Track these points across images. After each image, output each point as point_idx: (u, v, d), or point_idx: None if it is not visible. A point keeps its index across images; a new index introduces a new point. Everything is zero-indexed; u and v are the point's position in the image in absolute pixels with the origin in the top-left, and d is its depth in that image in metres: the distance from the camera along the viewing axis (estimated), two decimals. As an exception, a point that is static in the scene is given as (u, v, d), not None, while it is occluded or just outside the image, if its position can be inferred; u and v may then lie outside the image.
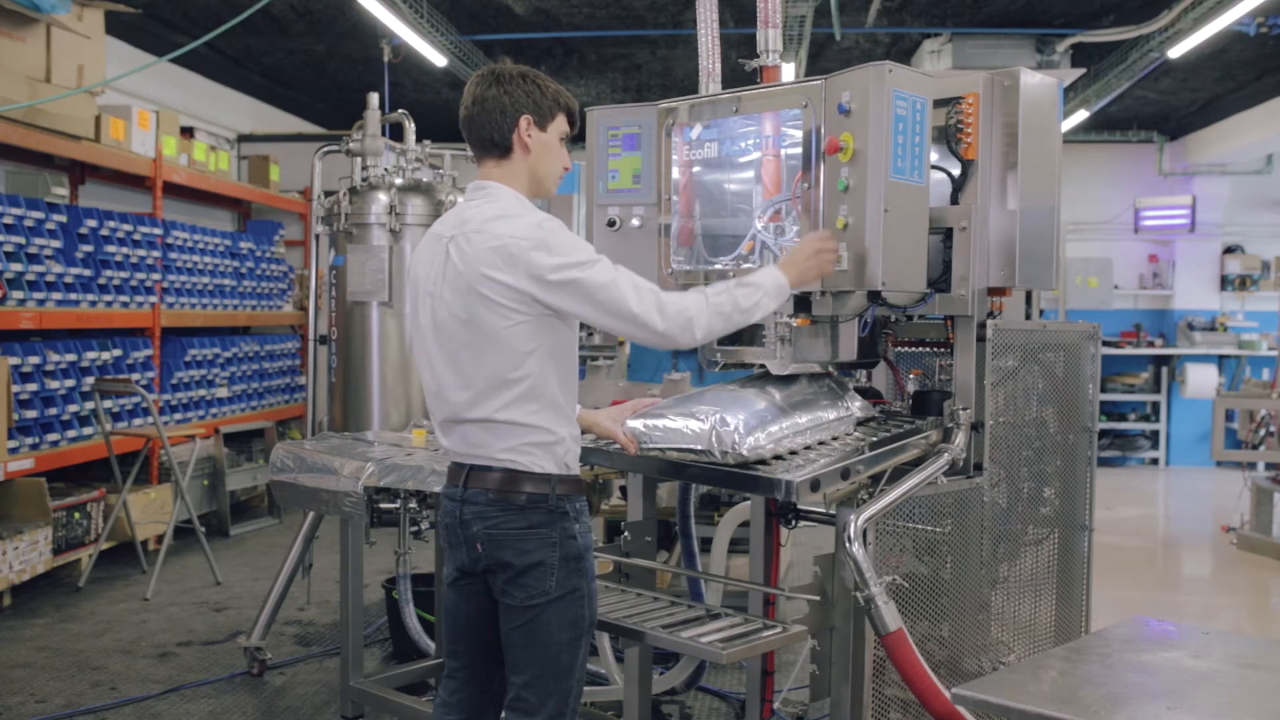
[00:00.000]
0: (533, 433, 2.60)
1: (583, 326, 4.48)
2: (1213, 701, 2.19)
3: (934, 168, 3.09)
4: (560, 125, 2.75)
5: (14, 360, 6.08)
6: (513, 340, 2.57)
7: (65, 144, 6.63)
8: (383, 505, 4.79)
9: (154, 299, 7.52)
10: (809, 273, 2.82)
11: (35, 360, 6.24)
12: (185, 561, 6.94)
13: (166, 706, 4.59)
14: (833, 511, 2.99)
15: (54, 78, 6.43)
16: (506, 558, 2.60)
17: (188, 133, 8.30)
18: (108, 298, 7.01)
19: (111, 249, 7.04)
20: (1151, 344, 12.03)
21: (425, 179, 5.08)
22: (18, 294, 6.17)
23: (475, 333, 2.59)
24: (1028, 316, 3.41)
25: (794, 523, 3.55)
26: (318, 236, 5.13)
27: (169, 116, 7.88)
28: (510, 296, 2.54)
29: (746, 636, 2.87)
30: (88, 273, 6.79)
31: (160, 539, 6.87)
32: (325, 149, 5.48)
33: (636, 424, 3.02)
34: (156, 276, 7.54)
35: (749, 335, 3.15)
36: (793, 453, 2.92)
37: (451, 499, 2.71)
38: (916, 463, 2.98)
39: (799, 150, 3.00)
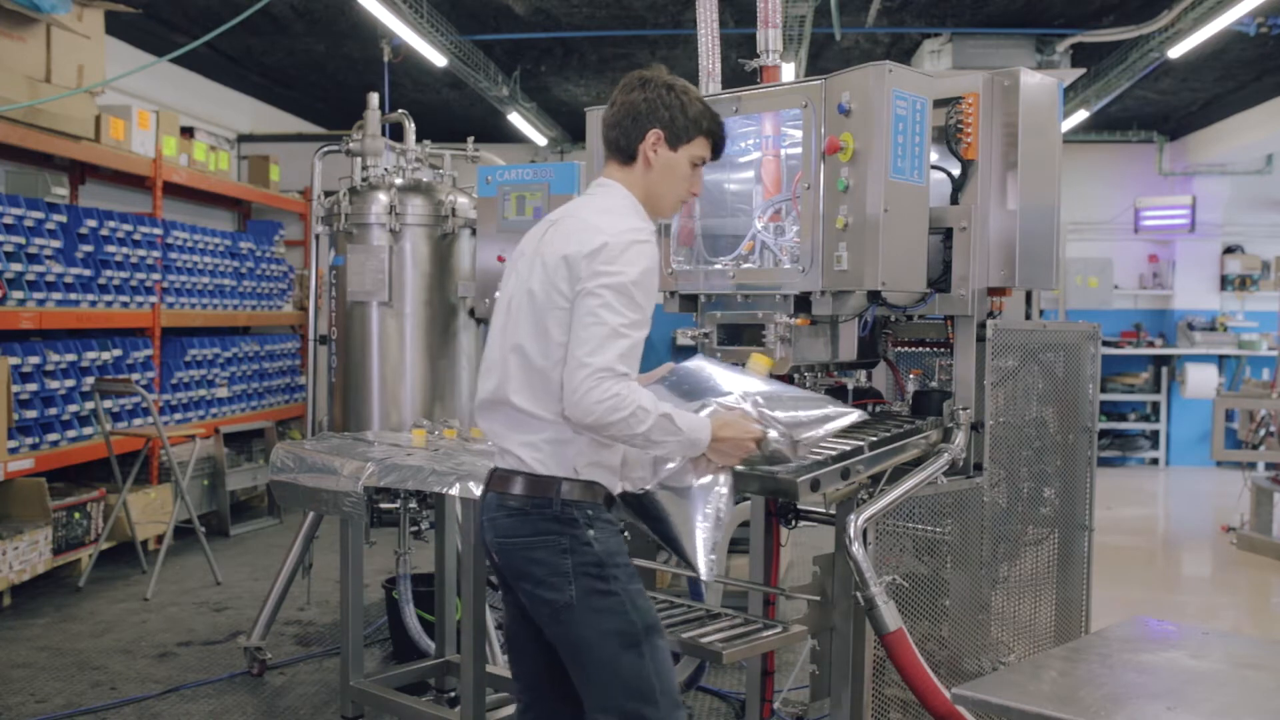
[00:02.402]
0: (545, 427, 2.50)
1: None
2: (1213, 701, 2.19)
3: (934, 168, 3.09)
4: (696, 149, 2.62)
5: (14, 360, 6.08)
6: (551, 324, 2.46)
7: (65, 144, 6.63)
8: (383, 505, 4.80)
9: (154, 299, 7.52)
10: (729, 451, 2.58)
11: (35, 360, 6.24)
12: (185, 561, 6.94)
13: (166, 706, 4.59)
14: (833, 511, 2.99)
15: (54, 78, 6.43)
16: (519, 567, 2.52)
17: (188, 133, 8.30)
18: (108, 298, 7.01)
19: (111, 249, 7.04)
20: (1151, 344, 12.03)
21: (425, 179, 5.08)
22: (18, 294, 6.17)
23: (526, 308, 2.52)
24: (1028, 316, 3.41)
25: (794, 523, 3.55)
26: (318, 236, 5.13)
27: (169, 116, 7.88)
28: (564, 277, 2.45)
29: (746, 636, 2.88)
30: (88, 273, 6.79)
31: (160, 539, 6.87)
32: (325, 149, 5.48)
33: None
34: (156, 276, 7.54)
35: (749, 336, 3.15)
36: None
37: (478, 510, 2.68)
38: (916, 463, 2.99)
39: (799, 150, 3.00)
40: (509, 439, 2.54)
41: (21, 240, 6.19)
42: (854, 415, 2.72)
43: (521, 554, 2.51)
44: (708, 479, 2.61)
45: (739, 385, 2.70)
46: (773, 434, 2.59)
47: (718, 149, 2.66)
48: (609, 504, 2.56)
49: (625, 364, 2.39)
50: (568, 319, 2.44)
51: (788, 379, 3.54)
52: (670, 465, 2.59)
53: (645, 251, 2.44)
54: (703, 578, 2.60)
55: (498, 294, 2.74)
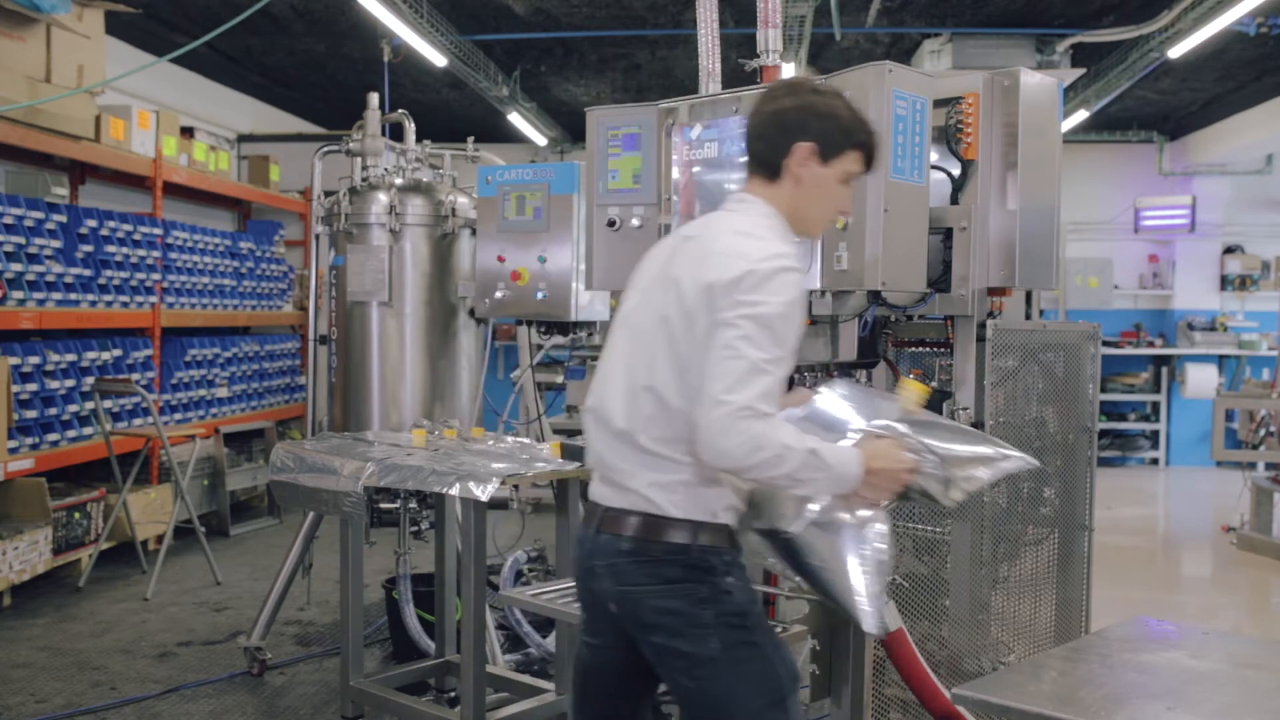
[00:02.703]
0: (682, 469, 2.25)
1: (580, 326, 4.52)
2: (1213, 701, 2.19)
3: (934, 168, 3.09)
4: (849, 163, 2.36)
5: (14, 360, 6.07)
6: (690, 358, 2.22)
7: (65, 144, 6.63)
8: (383, 505, 4.80)
9: (154, 299, 7.52)
10: (882, 485, 2.32)
11: (35, 360, 6.24)
12: (185, 561, 6.94)
13: (166, 706, 4.59)
14: (833, 511, 2.98)
15: (54, 78, 6.43)
16: (648, 619, 2.27)
17: (188, 133, 8.30)
18: (108, 298, 7.01)
19: (111, 249, 7.04)
20: (1151, 344, 12.03)
21: (425, 179, 5.08)
22: (18, 294, 6.17)
23: (661, 340, 2.27)
24: (1028, 316, 3.41)
25: (794, 523, 3.54)
26: (318, 236, 5.13)
27: (169, 116, 7.88)
28: (700, 305, 2.21)
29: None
30: (88, 273, 6.79)
31: (160, 539, 6.87)
32: (325, 149, 5.48)
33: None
34: (156, 276, 7.54)
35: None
36: None
37: (582, 544, 2.40)
38: (916, 463, 2.98)
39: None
40: (635, 477, 2.29)
41: (21, 240, 6.19)
42: (1018, 460, 2.45)
43: (652, 603, 2.26)
44: (860, 516, 2.34)
45: (887, 414, 2.44)
46: (927, 465, 2.34)
47: (870, 162, 2.41)
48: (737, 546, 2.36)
49: (766, 403, 2.15)
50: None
51: (788, 379, 3.54)
52: (816, 505, 2.33)
53: (792, 280, 2.22)
54: (870, 631, 2.34)
55: (626, 303, 2.46)
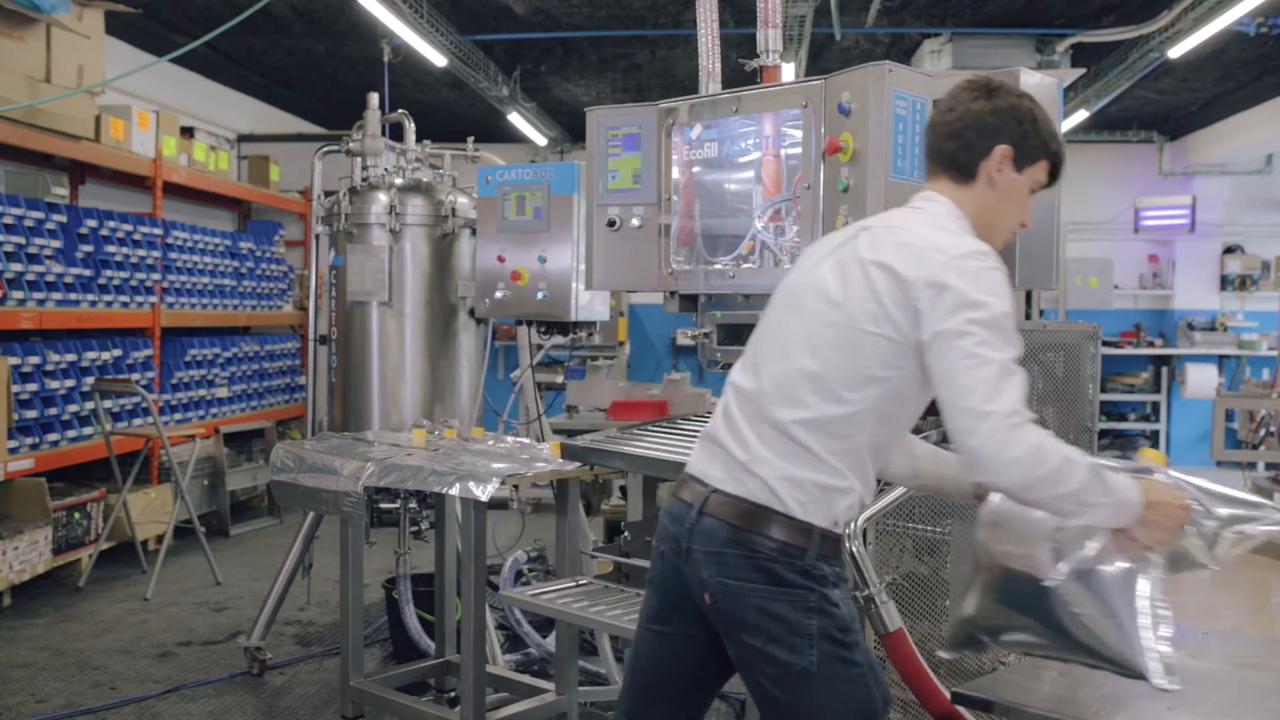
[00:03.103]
0: (820, 469, 2.11)
1: (580, 326, 4.51)
2: (1212, 701, 2.19)
3: (934, 168, 3.08)
4: (1039, 173, 2.27)
5: (14, 360, 6.08)
6: (866, 353, 2.09)
7: (65, 144, 6.63)
8: (383, 505, 4.80)
9: (154, 299, 7.52)
10: (1159, 524, 2.07)
11: (35, 360, 6.24)
12: (185, 561, 6.94)
13: (166, 706, 4.59)
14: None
15: (54, 78, 6.43)
16: (747, 618, 2.13)
17: (188, 133, 8.30)
18: (108, 298, 7.01)
19: (111, 249, 7.04)
20: (1151, 344, 12.03)
21: (425, 179, 5.08)
22: (18, 294, 6.17)
23: (829, 323, 2.13)
24: (1028, 316, 3.41)
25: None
26: (318, 236, 5.13)
27: (169, 116, 7.88)
28: (894, 299, 2.07)
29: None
30: (88, 273, 6.79)
31: (160, 539, 6.87)
32: (325, 149, 5.48)
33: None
34: (156, 276, 7.54)
35: (750, 336, 3.15)
36: None
37: (678, 522, 2.22)
38: (916, 463, 2.98)
39: (799, 150, 3.00)
40: (766, 465, 2.13)
41: (21, 240, 6.19)
42: None
43: (756, 603, 2.12)
44: (1121, 565, 2.05)
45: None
46: (1200, 517, 2.06)
47: (1056, 174, 2.30)
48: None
49: (1028, 408, 1.99)
50: (890, 353, 2.09)
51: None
52: (1081, 546, 2.06)
53: (1002, 276, 2.08)
54: (1163, 687, 2.02)
55: (790, 283, 2.30)
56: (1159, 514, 2.05)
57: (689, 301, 3.38)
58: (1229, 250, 12.14)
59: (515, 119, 10.24)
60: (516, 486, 3.66)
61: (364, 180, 5.06)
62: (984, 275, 2.05)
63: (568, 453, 3.31)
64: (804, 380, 2.14)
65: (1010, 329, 2.03)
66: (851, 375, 2.10)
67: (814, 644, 2.11)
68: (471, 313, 4.88)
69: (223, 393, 8.42)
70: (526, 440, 4.37)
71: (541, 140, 11.45)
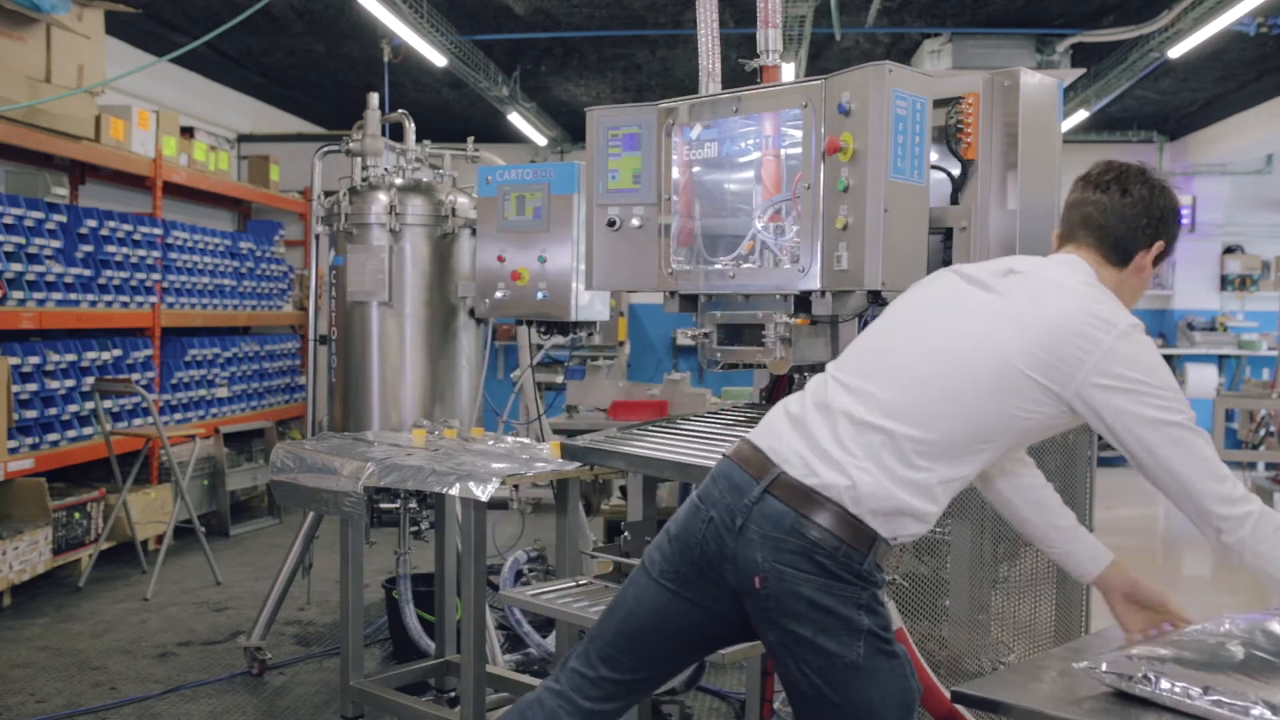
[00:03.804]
0: (918, 494, 2.13)
1: (580, 326, 4.52)
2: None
3: (934, 168, 3.09)
4: (1154, 257, 2.31)
5: (14, 360, 6.08)
6: (1015, 400, 2.11)
7: (65, 144, 6.64)
8: (383, 505, 4.80)
9: (154, 299, 7.52)
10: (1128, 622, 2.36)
11: (35, 360, 6.25)
12: (185, 561, 6.94)
13: (166, 706, 4.59)
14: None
15: (54, 78, 6.43)
16: (798, 608, 2.12)
17: (188, 133, 8.30)
18: (108, 298, 7.01)
19: (111, 249, 7.04)
20: (1151, 344, 12.03)
21: (425, 179, 5.08)
22: (18, 294, 6.17)
23: (977, 372, 2.13)
24: (1028, 316, 3.40)
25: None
26: (318, 236, 5.13)
27: (169, 116, 7.88)
28: (1050, 377, 2.09)
29: (746, 636, 2.87)
30: (88, 273, 6.79)
31: (160, 539, 6.87)
32: (325, 149, 5.48)
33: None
34: (156, 276, 7.54)
35: (749, 336, 3.15)
36: None
37: (739, 493, 2.18)
38: (916, 463, 2.98)
39: (799, 150, 3.00)
40: (862, 471, 2.12)
41: (21, 240, 6.19)
42: None
43: (810, 593, 2.11)
44: None
45: None
46: None
47: (1168, 252, 2.35)
48: None
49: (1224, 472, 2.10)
50: (1037, 423, 2.15)
51: (788, 379, 3.54)
52: None
53: (1147, 343, 2.14)
54: None
55: (936, 295, 2.33)
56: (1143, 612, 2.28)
57: (689, 301, 3.38)
58: (1229, 250, 12.14)
59: (515, 119, 10.24)
60: (516, 486, 3.66)
61: (364, 180, 5.06)
62: (1144, 351, 2.11)
63: (568, 453, 3.31)
64: (935, 406, 2.14)
65: (1171, 385, 2.12)
66: (983, 434, 2.14)
67: (862, 639, 2.12)
68: (471, 313, 4.89)
69: (223, 393, 8.42)
70: (526, 440, 4.37)
71: (541, 140, 11.45)
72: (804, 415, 2.23)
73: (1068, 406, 2.12)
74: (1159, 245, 2.27)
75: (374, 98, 5.30)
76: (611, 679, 2.34)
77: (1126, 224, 2.25)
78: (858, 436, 2.15)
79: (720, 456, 2.33)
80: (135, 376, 7.10)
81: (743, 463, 2.22)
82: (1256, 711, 1.82)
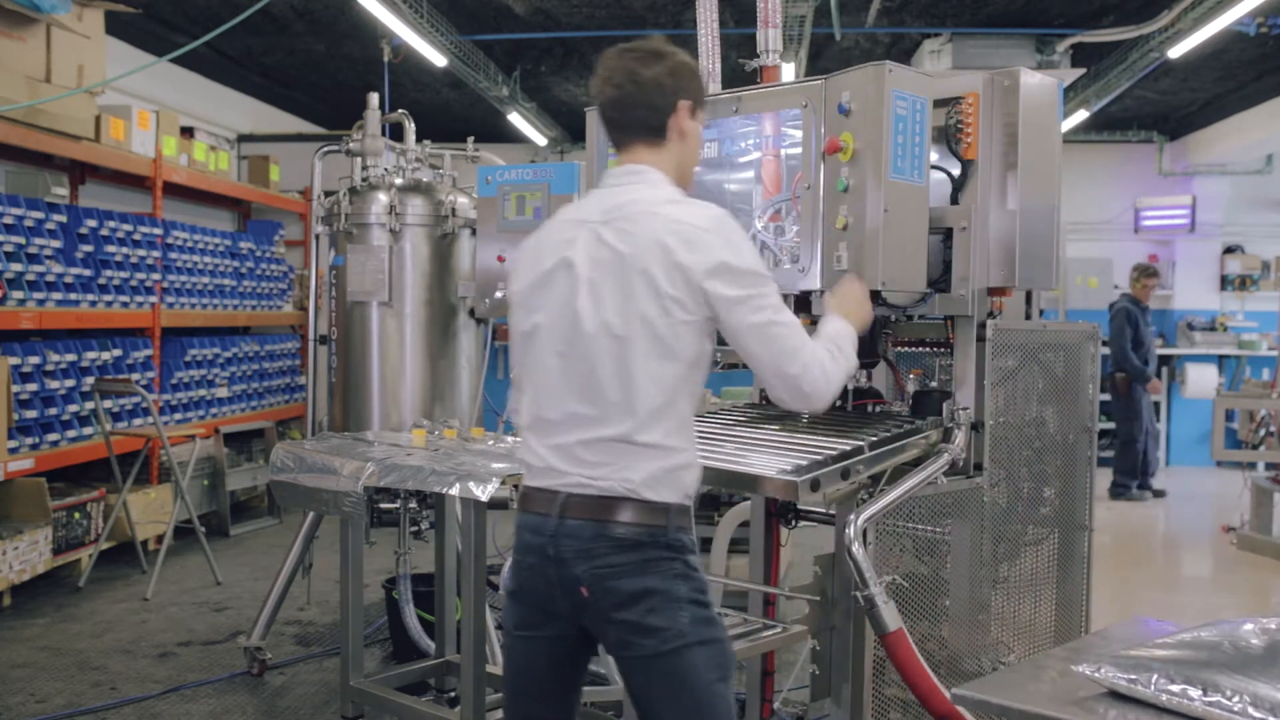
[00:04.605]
0: (666, 456, 2.29)
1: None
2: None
3: (934, 168, 3.09)
4: (703, 114, 2.52)
5: (14, 360, 6.08)
6: (673, 342, 2.27)
7: (65, 144, 6.64)
8: (383, 505, 4.80)
9: (154, 299, 7.52)
10: (867, 317, 2.71)
11: (35, 360, 6.24)
12: (185, 561, 6.94)
13: (166, 706, 4.59)
14: (833, 511, 2.99)
15: (54, 78, 6.43)
16: (625, 599, 2.27)
17: (188, 133, 8.30)
18: (108, 298, 7.01)
19: (111, 249, 7.04)
20: (1152, 344, 12.04)
21: (425, 179, 5.08)
22: (18, 294, 6.17)
23: (625, 329, 2.27)
24: (1028, 316, 3.41)
25: (794, 523, 3.55)
26: (318, 236, 5.13)
27: (169, 116, 7.88)
28: (682, 288, 2.25)
29: (746, 636, 2.88)
30: (88, 273, 6.79)
31: (160, 539, 6.87)
32: (325, 149, 5.48)
33: None
34: (156, 276, 7.54)
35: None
36: None
37: (539, 532, 2.34)
38: (916, 463, 2.98)
39: (799, 150, 3.00)
40: (612, 468, 2.29)
41: (21, 240, 6.19)
42: None
43: (630, 581, 2.27)
44: None
45: None
46: None
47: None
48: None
49: (803, 334, 2.35)
50: (693, 332, 2.29)
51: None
52: None
53: (736, 226, 2.34)
54: None
55: (517, 306, 2.46)
56: (857, 307, 2.67)
57: (689, 301, 3.37)
58: (1229, 250, 12.14)
59: (515, 119, 10.24)
60: (516, 486, 3.65)
61: (364, 180, 5.06)
62: (737, 236, 2.32)
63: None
64: (623, 393, 2.33)
65: (762, 271, 2.35)
66: (665, 370, 2.32)
67: (685, 607, 2.28)
68: (471, 313, 4.89)
69: (223, 393, 8.42)
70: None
71: (541, 140, 11.45)
72: (543, 449, 2.42)
73: (708, 307, 2.30)
74: (684, 105, 2.41)
75: (374, 98, 5.30)
76: None
77: (643, 107, 2.40)
78: (593, 446, 2.31)
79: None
80: (135, 376, 7.10)
81: (532, 508, 2.40)
82: (1255, 713, 1.82)
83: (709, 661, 2.30)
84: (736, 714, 2.42)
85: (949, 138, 3.16)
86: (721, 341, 3.21)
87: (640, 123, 2.41)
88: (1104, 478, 9.44)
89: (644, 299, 2.26)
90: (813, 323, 3.08)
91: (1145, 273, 9.99)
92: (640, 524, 2.27)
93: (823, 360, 2.35)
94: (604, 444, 2.30)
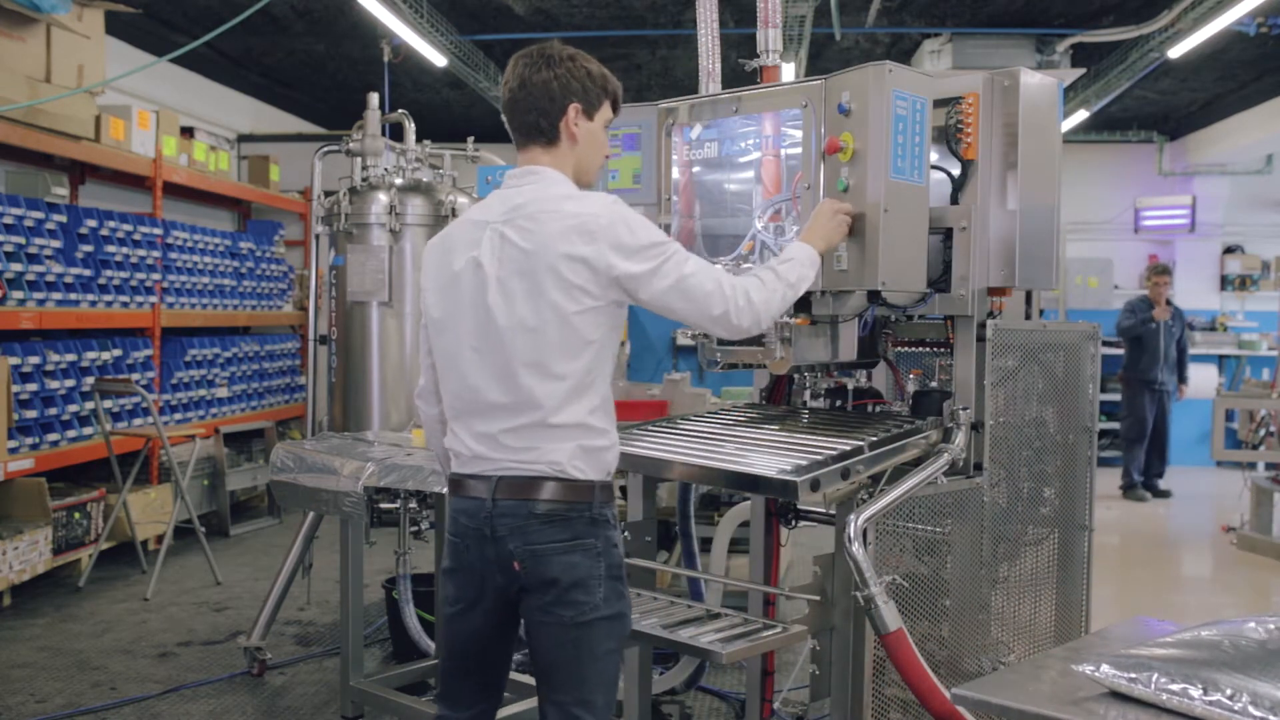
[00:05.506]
0: (586, 435, 2.45)
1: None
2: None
3: (934, 168, 3.09)
4: (606, 113, 2.61)
5: (14, 360, 6.08)
6: (579, 327, 2.41)
7: (65, 144, 6.63)
8: (383, 505, 4.80)
9: (154, 299, 7.52)
10: (834, 236, 2.80)
11: (35, 360, 6.24)
12: (185, 561, 6.94)
13: (166, 706, 4.59)
14: (833, 511, 2.99)
15: (54, 78, 6.43)
16: (553, 574, 2.43)
17: (188, 133, 8.30)
18: (108, 298, 7.01)
19: (111, 249, 7.04)
20: (1152, 344, 12.03)
21: (425, 179, 5.08)
22: (18, 294, 6.17)
23: (537, 321, 2.41)
24: (1028, 316, 3.40)
25: (794, 523, 3.55)
26: (318, 236, 5.13)
27: (169, 116, 7.88)
28: (586, 277, 2.39)
29: (746, 636, 2.87)
30: (88, 273, 6.79)
31: (160, 539, 6.87)
32: (325, 149, 5.48)
33: None
34: (156, 276, 7.54)
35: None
36: None
37: (475, 515, 2.49)
38: (916, 463, 2.98)
39: (799, 150, 3.00)
40: (538, 451, 2.44)
41: (21, 240, 6.19)
42: None
43: (558, 559, 2.43)
44: None
45: None
46: None
47: (617, 107, 2.65)
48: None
49: (721, 277, 2.50)
50: (598, 315, 2.43)
51: (788, 379, 3.54)
52: None
53: (626, 206, 2.49)
54: None
55: (429, 303, 2.60)
56: (830, 231, 2.79)
57: (689, 301, 3.37)
58: (1229, 250, 12.14)
59: (515, 119, 10.23)
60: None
61: (364, 180, 5.06)
62: (629, 214, 2.47)
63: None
64: (549, 386, 2.47)
65: (658, 233, 2.53)
66: (575, 353, 2.46)
67: (601, 583, 2.45)
68: (471, 313, 4.88)
69: (223, 393, 8.42)
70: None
71: (541, 140, 11.44)
72: (468, 436, 2.54)
73: (616, 287, 2.45)
74: (573, 108, 2.52)
75: (374, 98, 5.30)
76: (461, 698, 2.65)
77: (534, 111, 2.52)
78: (516, 432, 2.46)
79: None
80: (135, 376, 7.10)
81: (466, 493, 2.52)
82: (1256, 712, 1.82)
83: (611, 632, 2.48)
84: (619, 676, 2.67)
85: (949, 138, 3.16)
86: (722, 341, 3.23)
87: (531, 126, 2.54)
88: (1106, 479, 9.44)
89: (552, 290, 2.40)
90: (812, 322, 3.09)
91: (1154, 271, 10.01)
92: (566, 500, 2.43)
93: (747, 290, 2.52)
94: (526, 430, 2.44)
